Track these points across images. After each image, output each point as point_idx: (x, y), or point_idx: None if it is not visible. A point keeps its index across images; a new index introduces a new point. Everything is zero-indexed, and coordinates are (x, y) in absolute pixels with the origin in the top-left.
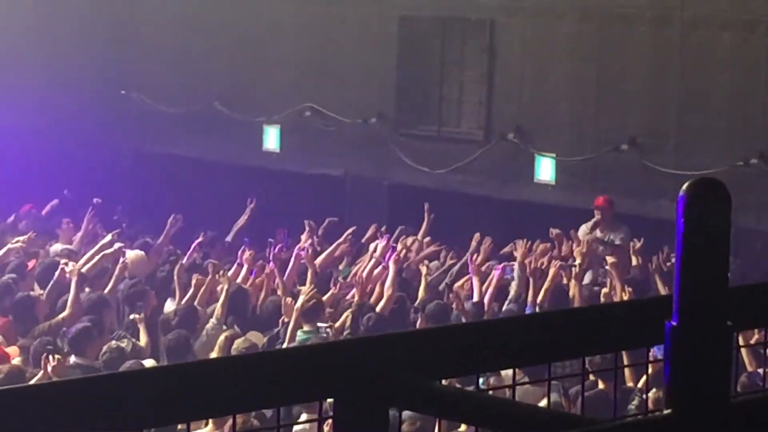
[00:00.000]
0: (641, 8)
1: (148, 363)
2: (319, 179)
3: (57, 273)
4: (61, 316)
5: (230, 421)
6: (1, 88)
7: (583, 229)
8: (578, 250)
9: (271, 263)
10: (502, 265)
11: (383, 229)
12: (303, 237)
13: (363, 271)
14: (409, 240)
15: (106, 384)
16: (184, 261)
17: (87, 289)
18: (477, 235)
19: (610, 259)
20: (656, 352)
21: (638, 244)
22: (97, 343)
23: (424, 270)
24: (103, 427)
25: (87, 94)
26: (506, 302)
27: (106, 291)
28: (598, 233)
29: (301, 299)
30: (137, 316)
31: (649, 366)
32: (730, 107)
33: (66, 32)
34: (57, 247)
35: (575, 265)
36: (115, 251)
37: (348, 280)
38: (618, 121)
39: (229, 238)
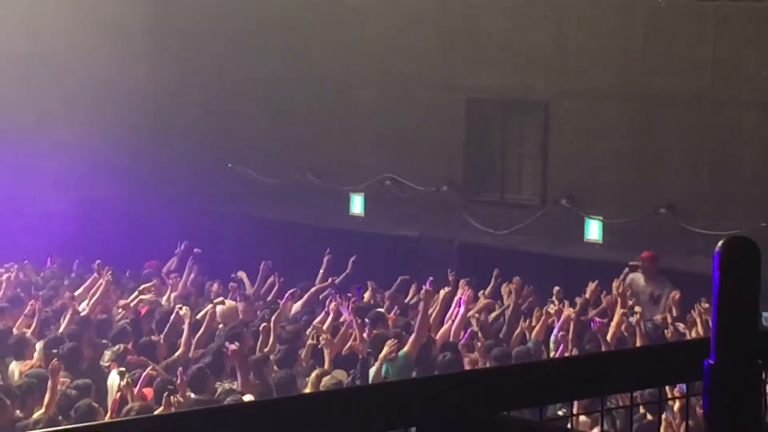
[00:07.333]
0: (677, 90)
1: (247, 398)
2: (397, 240)
3: (172, 317)
4: (176, 354)
5: None
6: (107, 162)
7: (632, 277)
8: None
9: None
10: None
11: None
12: (367, 294)
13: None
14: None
15: (213, 417)
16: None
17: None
18: (557, 289)
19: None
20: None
21: (677, 296)
22: (211, 381)
23: (475, 324)
24: None
25: (194, 166)
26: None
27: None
28: (642, 282)
29: (385, 350)
30: (232, 346)
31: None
32: (756, 175)
33: (171, 109)
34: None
35: (636, 312)
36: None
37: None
38: (657, 188)
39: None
